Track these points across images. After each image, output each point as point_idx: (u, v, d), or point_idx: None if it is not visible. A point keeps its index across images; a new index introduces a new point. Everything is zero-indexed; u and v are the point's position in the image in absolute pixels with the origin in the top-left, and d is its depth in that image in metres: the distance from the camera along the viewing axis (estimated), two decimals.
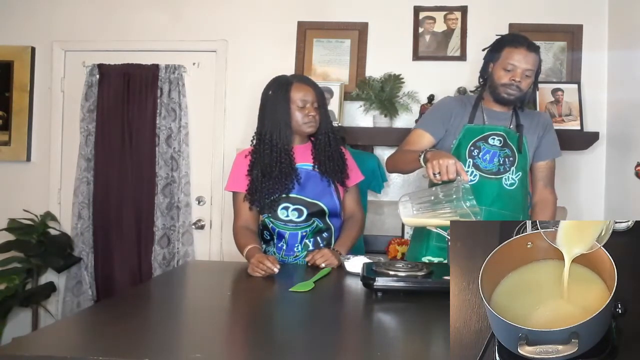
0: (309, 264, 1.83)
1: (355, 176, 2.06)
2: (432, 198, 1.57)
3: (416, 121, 2.74)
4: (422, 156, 1.70)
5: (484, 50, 2.01)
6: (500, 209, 1.88)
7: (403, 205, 1.58)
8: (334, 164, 1.96)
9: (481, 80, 2.02)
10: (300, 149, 1.96)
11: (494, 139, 1.93)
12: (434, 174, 1.61)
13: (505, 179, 1.93)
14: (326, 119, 1.96)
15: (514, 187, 1.94)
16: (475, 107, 1.98)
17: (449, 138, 1.96)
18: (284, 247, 1.94)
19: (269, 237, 1.97)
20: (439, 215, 1.55)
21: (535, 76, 1.94)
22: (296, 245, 1.94)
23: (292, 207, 1.91)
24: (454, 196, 1.52)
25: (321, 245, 1.95)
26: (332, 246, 1.95)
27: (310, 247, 1.94)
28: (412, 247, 2.09)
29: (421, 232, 2.02)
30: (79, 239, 3.00)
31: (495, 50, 1.94)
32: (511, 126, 1.97)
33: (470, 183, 1.70)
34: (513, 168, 1.93)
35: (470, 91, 2.70)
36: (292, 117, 1.89)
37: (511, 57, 1.88)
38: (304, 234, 1.93)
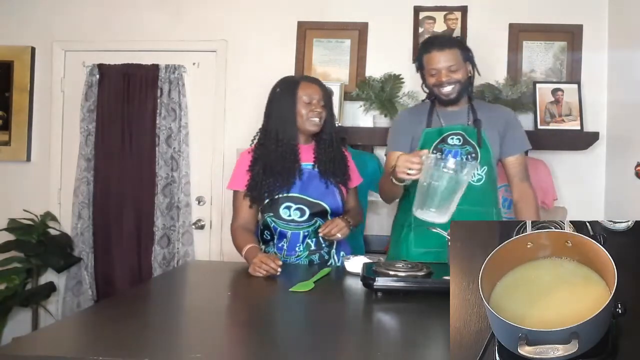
0: (324, 237, 1.87)
1: (356, 179, 2.08)
2: (430, 182, 1.59)
3: None
4: (392, 176, 1.74)
5: (413, 63, 2.07)
6: (470, 206, 1.83)
7: (426, 214, 1.61)
8: (335, 165, 1.97)
9: (426, 90, 2.04)
10: (304, 148, 1.97)
11: (452, 138, 1.95)
12: (408, 173, 1.62)
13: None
14: (331, 119, 1.99)
15: (481, 182, 1.94)
16: (430, 112, 2.00)
17: (413, 146, 1.98)
18: (285, 247, 1.94)
19: (269, 237, 1.97)
20: (444, 196, 1.58)
21: (470, 60, 1.96)
22: (298, 245, 1.94)
23: (294, 206, 1.91)
24: (435, 169, 1.56)
25: (323, 245, 1.96)
26: (333, 246, 1.97)
27: (312, 247, 1.94)
28: (391, 254, 2.07)
29: (399, 237, 2.02)
30: (79, 239, 3.00)
31: (418, 62, 2.00)
32: (469, 122, 1.97)
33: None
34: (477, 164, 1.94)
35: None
36: (297, 114, 1.90)
37: (429, 63, 1.93)
38: (306, 233, 1.93)
